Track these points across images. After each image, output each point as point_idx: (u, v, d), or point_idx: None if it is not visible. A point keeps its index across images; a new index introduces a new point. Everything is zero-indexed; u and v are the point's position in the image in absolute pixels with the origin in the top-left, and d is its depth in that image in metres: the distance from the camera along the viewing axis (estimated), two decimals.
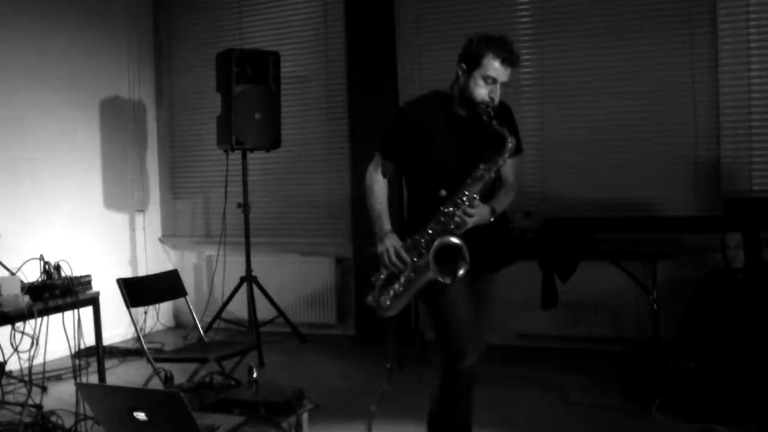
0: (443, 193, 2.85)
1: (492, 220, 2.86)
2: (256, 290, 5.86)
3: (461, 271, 2.74)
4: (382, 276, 2.89)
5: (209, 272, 6.63)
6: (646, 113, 5.39)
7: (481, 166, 2.81)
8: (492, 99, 2.82)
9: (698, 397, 3.90)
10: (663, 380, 4.13)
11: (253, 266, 5.86)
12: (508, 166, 2.96)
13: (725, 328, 4.17)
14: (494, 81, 2.81)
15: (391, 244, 2.86)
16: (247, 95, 5.67)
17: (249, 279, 5.83)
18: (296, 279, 6.40)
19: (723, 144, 5.22)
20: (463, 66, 2.86)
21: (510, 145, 2.81)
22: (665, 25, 5.32)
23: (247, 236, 5.82)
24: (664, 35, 5.33)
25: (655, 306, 4.66)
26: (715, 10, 5.17)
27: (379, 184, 3.03)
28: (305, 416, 3.05)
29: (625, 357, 4.73)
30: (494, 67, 2.80)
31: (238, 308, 6.04)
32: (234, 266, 6.22)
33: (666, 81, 5.33)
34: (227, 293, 6.05)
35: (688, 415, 3.83)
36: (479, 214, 2.80)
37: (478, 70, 2.81)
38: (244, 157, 5.79)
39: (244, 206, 5.79)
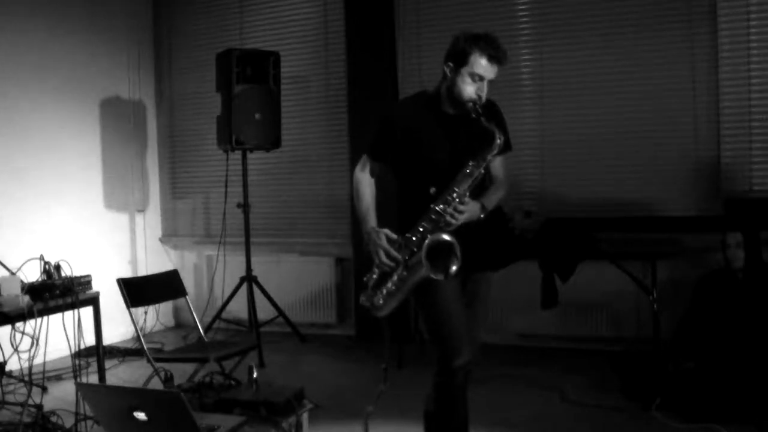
0: (433, 190, 2.86)
1: (482, 216, 2.87)
2: (256, 290, 5.86)
3: (454, 268, 2.74)
4: (374, 276, 2.88)
5: (209, 272, 6.63)
6: (646, 113, 5.39)
7: (470, 163, 2.82)
8: (479, 96, 2.83)
9: (698, 397, 3.90)
10: (663, 380, 4.13)
11: (253, 266, 5.86)
12: (497, 164, 2.97)
13: (725, 328, 4.17)
14: (481, 78, 2.82)
15: (380, 243, 2.83)
16: (247, 95, 5.67)
17: (249, 279, 5.83)
18: (296, 279, 6.40)
19: (723, 144, 5.22)
20: (450, 64, 2.87)
21: (499, 141, 2.82)
22: (665, 25, 5.32)
23: (247, 236, 5.82)
24: (664, 35, 5.33)
25: (655, 306, 4.66)
26: (715, 10, 5.17)
27: (365, 184, 3.04)
28: (305, 416, 3.05)
29: (625, 357, 4.73)
30: (481, 64, 2.81)
31: (238, 308, 6.04)
32: (234, 266, 6.23)
33: (666, 81, 5.33)
34: (227, 293, 6.05)
35: (688, 415, 3.83)
36: (470, 210, 2.81)
37: (465, 67, 2.83)
38: (244, 157, 5.79)
39: (244, 206, 5.79)
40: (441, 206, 2.80)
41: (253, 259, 5.87)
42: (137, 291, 4.27)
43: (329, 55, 6.36)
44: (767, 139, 5.12)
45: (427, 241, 2.75)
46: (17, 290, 3.61)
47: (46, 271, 3.82)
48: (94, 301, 4.02)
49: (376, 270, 2.88)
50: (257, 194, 6.28)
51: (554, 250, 4.79)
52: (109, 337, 5.66)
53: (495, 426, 3.89)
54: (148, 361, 4.07)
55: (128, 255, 6.68)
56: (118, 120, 6.60)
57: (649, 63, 5.37)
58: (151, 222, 6.98)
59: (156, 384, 3.97)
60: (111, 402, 2.55)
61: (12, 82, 5.59)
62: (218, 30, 6.73)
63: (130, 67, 6.72)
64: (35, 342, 3.64)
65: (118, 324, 5.69)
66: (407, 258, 2.82)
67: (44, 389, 4.43)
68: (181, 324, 6.88)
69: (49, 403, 4.13)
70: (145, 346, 4.25)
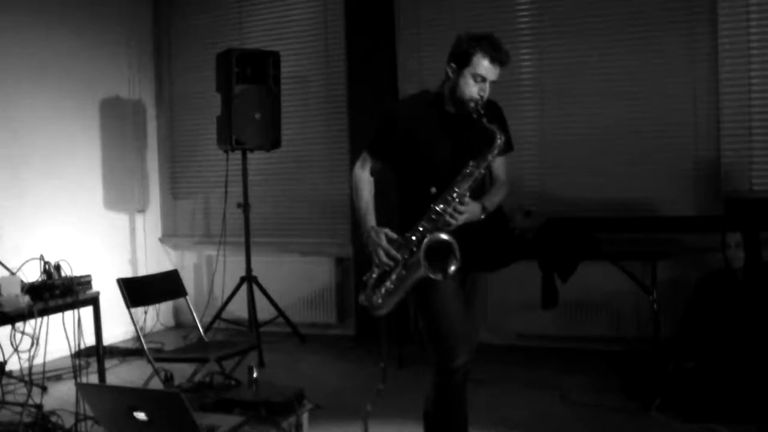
0: (433, 190, 2.86)
1: (483, 217, 2.87)
2: (256, 290, 5.86)
3: (452, 269, 2.74)
4: (373, 275, 2.87)
5: (209, 272, 6.63)
6: (646, 113, 5.39)
7: (471, 163, 2.82)
8: (481, 97, 2.84)
9: (698, 397, 3.90)
10: (663, 380, 4.13)
11: (253, 266, 5.86)
12: (498, 164, 2.98)
13: (725, 328, 4.17)
14: (483, 79, 2.83)
15: (379, 242, 2.82)
16: (247, 95, 5.67)
17: (249, 279, 5.83)
18: (296, 279, 6.40)
19: (723, 144, 5.22)
20: (453, 65, 2.88)
21: (499, 141, 2.82)
22: (665, 25, 5.32)
23: (247, 236, 5.82)
24: (664, 35, 5.33)
25: (655, 306, 4.66)
26: (716, 10, 5.17)
27: (364, 182, 3.03)
28: (305, 416, 3.05)
29: (625, 357, 4.73)
30: (483, 65, 2.82)
31: (238, 308, 6.04)
32: (234, 266, 6.23)
33: (666, 81, 5.33)
34: (227, 293, 6.05)
35: (688, 415, 3.83)
36: (470, 211, 2.81)
37: (467, 68, 2.84)
38: (244, 157, 5.79)
39: (244, 206, 5.79)
40: (441, 206, 2.80)
41: (253, 259, 5.87)
42: (137, 291, 4.27)
43: (329, 55, 6.36)
44: (767, 139, 5.12)
45: (426, 241, 2.75)
46: (17, 290, 3.61)
47: (46, 271, 3.82)
48: (94, 301, 4.02)
49: (375, 269, 2.87)
50: (257, 194, 6.27)
51: (554, 249, 4.80)
52: (109, 337, 5.65)
53: (495, 426, 3.89)
54: (148, 361, 4.07)
55: (128, 255, 6.68)
56: (118, 120, 6.60)
57: (649, 63, 5.37)
58: (151, 222, 6.98)
59: (156, 384, 3.97)
60: (111, 402, 2.55)
61: (12, 82, 5.59)
62: (218, 30, 6.73)
63: (130, 67, 6.72)
64: (35, 342, 3.63)
65: (118, 324, 5.69)
66: (406, 257, 2.82)
67: (44, 389, 4.44)
68: (181, 324, 6.88)
69: (49, 403, 4.14)
70: (145, 346, 4.25)
